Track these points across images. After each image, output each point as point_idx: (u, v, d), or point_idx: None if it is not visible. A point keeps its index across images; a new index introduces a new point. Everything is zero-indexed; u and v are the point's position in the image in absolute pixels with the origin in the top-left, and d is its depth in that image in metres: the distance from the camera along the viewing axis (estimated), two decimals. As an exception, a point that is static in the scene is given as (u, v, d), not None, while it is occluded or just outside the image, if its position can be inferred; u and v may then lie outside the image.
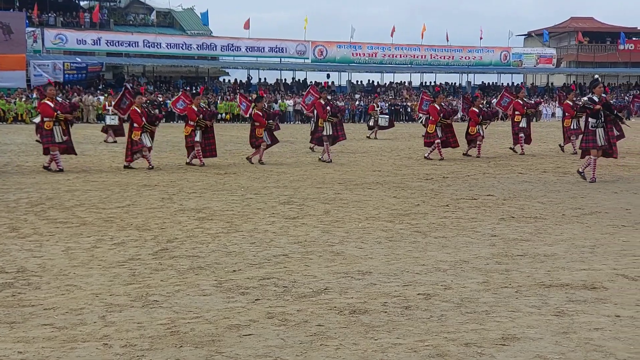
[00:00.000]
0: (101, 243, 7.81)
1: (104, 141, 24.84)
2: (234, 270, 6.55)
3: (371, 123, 29.40)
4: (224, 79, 57.66)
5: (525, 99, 20.92)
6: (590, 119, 13.20)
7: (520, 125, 19.86)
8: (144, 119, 15.89)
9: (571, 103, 19.65)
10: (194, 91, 18.77)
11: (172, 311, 5.30)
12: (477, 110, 19.03)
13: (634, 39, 66.56)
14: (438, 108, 18.32)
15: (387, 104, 47.78)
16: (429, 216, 9.57)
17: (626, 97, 51.20)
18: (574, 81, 63.55)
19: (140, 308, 5.40)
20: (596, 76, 16.49)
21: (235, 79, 56.17)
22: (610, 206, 10.38)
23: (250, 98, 19.38)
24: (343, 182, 13.36)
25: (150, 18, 56.59)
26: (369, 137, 28.25)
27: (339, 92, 54.87)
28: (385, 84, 59.32)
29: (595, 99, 13.14)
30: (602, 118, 13.07)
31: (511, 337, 4.69)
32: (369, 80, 59.48)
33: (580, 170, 13.53)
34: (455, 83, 61.47)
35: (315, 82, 54.16)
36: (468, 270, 6.54)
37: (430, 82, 60.30)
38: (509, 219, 9.30)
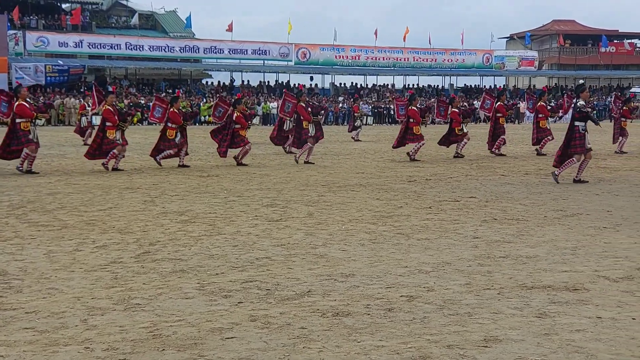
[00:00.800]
0: (83, 246, 7.77)
1: (85, 143, 24.68)
2: (217, 273, 6.53)
3: (358, 124, 29.37)
4: (206, 82, 57.51)
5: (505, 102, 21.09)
6: (578, 123, 13.28)
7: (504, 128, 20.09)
8: (116, 117, 15.93)
9: (545, 104, 20.06)
10: (173, 95, 18.79)
11: (155, 314, 5.28)
12: (458, 111, 19.36)
13: (615, 41, 67.09)
14: (417, 110, 18.64)
15: (369, 106, 47.90)
16: (411, 218, 9.59)
17: (608, 99, 51.57)
18: (555, 83, 64.00)
19: (122, 311, 5.37)
20: (581, 81, 16.72)
21: (219, 82, 56.07)
22: (591, 208, 10.45)
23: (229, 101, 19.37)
24: (326, 184, 13.37)
25: (132, 21, 56.33)
26: (354, 139, 28.22)
27: (322, 94, 54.90)
28: (369, 86, 59.40)
29: (583, 102, 13.35)
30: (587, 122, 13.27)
31: (493, 338, 4.71)
32: (352, 83, 59.56)
33: (577, 178, 13.55)
34: (438, 85, 61.67)
35: (296, 84, 54.20)
36: (450, 272, 6.56)
37: (413, 85, 60.50)
38: (492, 221, 9.34)
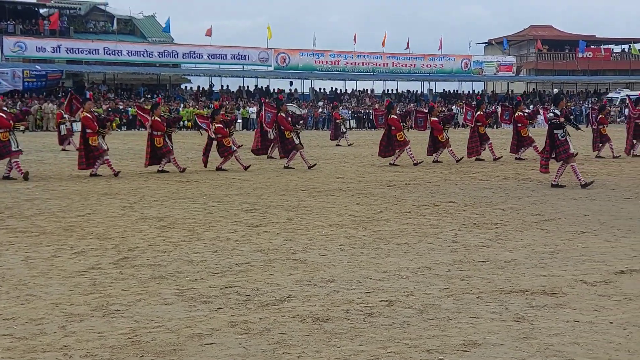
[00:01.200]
0: (61, 252, 7.71)
1: (63, 149, 24.50)
2: (196, 279, 6.51)
3: (343, 129, 29.32)
4: (185, 87, 57.35)
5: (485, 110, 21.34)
6: (556, 131, 13.45)
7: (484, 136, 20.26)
8: (96, 123, 15.87)
9: (522, 113, 20.28)
10: (153, 102, 18.74)
11: (133, 320, 5.26)
12: (438, 119, 19.46)
13: (592, 47, 67.73)
14: (397, 117, 18.78)
15: (349, 112, 47.96)
16: (391, 223, 9.61)
17: (584, 105, 52.02)
18: (533, 89, 64.46)
19: (101, 318, 5.34)
20: (556, 90, 16.99)
21: (198, 86, 55.93)
22: (569, 212, 10.53)
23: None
24: (306, 189, 13.37)
25: (110, 26, 56.01)
26: (340, 145, 28.19)
27: (302, 99, 54.92)
28: (348, 91, 59.51)
29: (558, 112, 13.52)
30: (566, 127, 13.45)
31: (472, 343, 4.73)
32: (331, 88, 59.63)
33: (581, 183, 13.58)
34: (417, 91, 61.90)
35: (276, 89, 54.21)
36: (430, 277, 6.58)
37: (393, 90, 60.68)
38: (470, 226, 9.38)
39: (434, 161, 19.41)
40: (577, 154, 13.64)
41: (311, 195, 12.51)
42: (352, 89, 60.03)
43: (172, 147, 16.88)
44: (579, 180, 13.56)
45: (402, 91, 60.99)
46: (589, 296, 5.89)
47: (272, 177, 15.67)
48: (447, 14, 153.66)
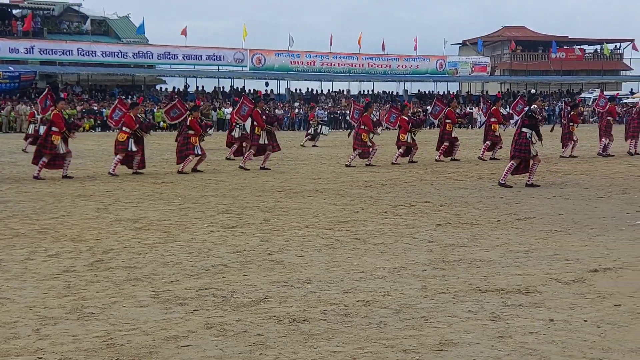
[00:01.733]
0: (35, 255, 7.64)
1: (24, 150, 24.18)
2: (172, 281, 6.48)
3: (311, 131, 29.42)
4: (160, 87, 57.05)
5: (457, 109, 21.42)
6: (525, 130, 13.57)
7: (453, 135, 20.28)
8: (64, 124, 15.78)
9: (502, 111, 20.44)
10: (134, 101, 18.67)
11: (108, 323, 5.21)
12: (407, 119, 19.58)
13: (565, 47, 68.39)
14: (407, 119, 19.07)
15: (325, 112, 47.99)
16: (368, 223, 9.63)
17: (558, 105, 52.47)
18: (507, 89, 64.92)
19: (75, 320, 5.29)
20: (533, 91, 17.16)
21: (173, 87, 55.66)
22: (543, 211, 10.61)
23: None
24: (283, 190, 13.35)
25: (84, 26, 55.56)
26: (303, 145, 28.28)
27: (278, 100, 54.87)
28: (324, 92, 59.55)
29: (536, 108, 13.71)
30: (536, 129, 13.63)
31: (448, 342, 4.75)
32: (307, 89, 59.64)
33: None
34: (392, 92, 62.09)
35: (252, 89, 54.10)
36: (406, 277, 6.60)
37: (369, 91, 60.81)
38: (446, 225, 9.43)
39: (409, 161, 19.48)
40: (536, 155, 13.74)
41: (287, 196, 12.49)
42: (328, 90, 60.09)
43: (128, 151, 16.60)
44: (530, 177, 13.80)
45: (378, 92, 61.14)
46: (564, 295, 5.94)
47: (248, 179, 15.63)
48: (421, 14, 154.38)
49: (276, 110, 44.93)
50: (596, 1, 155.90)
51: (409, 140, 19.43)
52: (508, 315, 5.36)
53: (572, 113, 21.65)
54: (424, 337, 4.85)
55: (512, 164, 13.76)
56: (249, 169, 17.60)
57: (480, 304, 5.65)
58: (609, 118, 22.00)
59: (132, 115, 16.61)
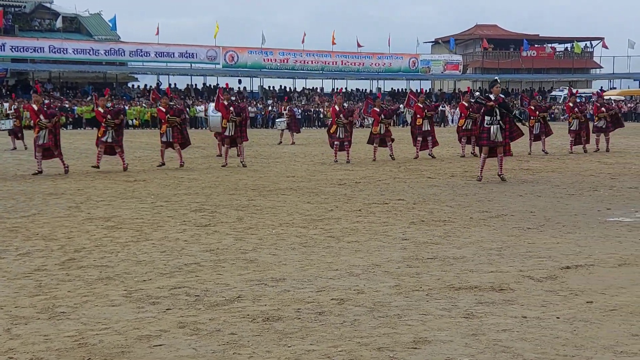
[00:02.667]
0: (5, 254, 7.53)
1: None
2: (144, 280, 6.42)
3: (283, 126, 29.33)
4: (132, 85, 56.68)
5: (426, 102, 21.57)
6: (485, 117, 13.81)
7: (424, 129, 20.36)
8: (41, 116, 15.71)
9: (466, 104, 20.59)
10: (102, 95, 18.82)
11: (80, 323, 5.16)
12: (378, 110, 19.79)
13: (536, 45, 69.01)
14: (337, 109, 19.13)
15: (299, 110, 47.98)
16: (342, 221, 9.63)
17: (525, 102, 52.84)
18: (479, 87, 65.38)
19: (47, 320, 5.23)
20: (495, 77, 17.26)
21: (145, 85, 55.32)
22: (515, 209, 10.69)
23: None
24: (256, 188, 13.31)
25: (56, 24, 55.02)
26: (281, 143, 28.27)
27: (252, 97, 54.74)
28: (297, 89, 59.52)
29: (492, 97, 13.79)
30: (498, 116, 13.78)
31: (422, 340, 4.76)
32: (281, 86, 59.57)
33: (499, 173, 14.21)
34: (366, 89, 62.25)
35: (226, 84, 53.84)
36: (380, 274, 6.60)
37: (342, 89, 60.87)
38: (419, 223, 9.45)
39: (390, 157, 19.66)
40: (493, 142, 13.92)
41: (261, 195, 12.46)
42: (302, 87, 60.09)
43: (104, 143, 16.75)
44: (500, 169, 14.16)
45: (352, 89, 61.27)
46: (536, 292, 5.98)
47: (222, 176, 15.56)
48: (394, 12, 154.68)
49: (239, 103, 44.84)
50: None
51: (382, 131, 19.65)
52: (481, 312, 5.38)
53: (529, 107, 21.91)
54: (398, 335, 4.85)
55: (483, 156, 14.10)
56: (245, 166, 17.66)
57: (454, 302, 5.67)
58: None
59: (100, 108, 16.70)
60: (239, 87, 57.67)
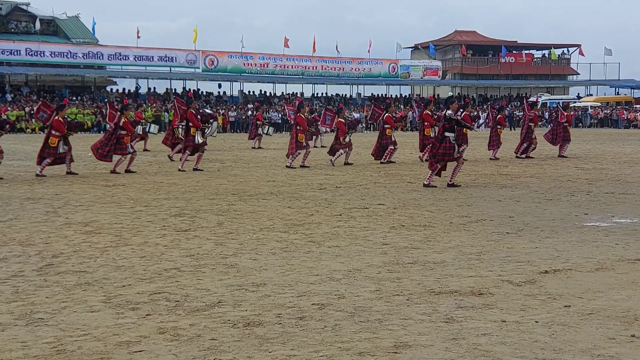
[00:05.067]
0: (-19, 260, 7.46)
1: None
2: (124, 285, 6.39)
3: (260, 132, 29.31)
4: (111, 89, 56.34)
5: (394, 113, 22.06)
6: (448, 134, 14.12)
7: (393, 139, 20.64)
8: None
9: (430, 113, 20.73)
10: (60, 103, 18.64)
11: (59, 329, 5.11)
12: (343, 121, 20.42)
13: (514, 52, 69.51)
14: (304, 118, 19.39)
15: (280, 115, 47.95)
16: (322, 226, 9.63)
17: (507, 109, 53.19)
18: (458, 93, 65.72)
19: (24, 326, 5.18)
20: (450, 93, 17.66)
21: (123, 89, 55.03)
22: (494, 214, 10.75)
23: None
24: (237, 193, 13.28)
25: (33, 26, 54.61)
26: (254, 148, 28.28)
27: (231, 102, 54.64)
28: (277, 94, 59.47)
29: (451, 113, 14.21)
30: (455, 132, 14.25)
31: (403, 344, 4.77)
32: (261, 91, 59.52)
33: (449, 182, 14.46)
34: (346, 94, 62.35)
35: (204, 92, 53.75)
36: (361, 279, 6.61)
37: (322, 94, 60.95)
38: (400, 228, 9.48)
39: (331, 162, 19.82)
40: (460, 157, 14.43)
41: (241, 199, 12.43)
42: (282, 92, 60.05)
43: (61, 151, 16.67)
44: (451, 177, 14.44)
45: (332, 94, 61.33)
46: (515, 296, 6.01)
47: (202, 181, 15.52)
48: (373, 17, 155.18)
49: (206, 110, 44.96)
50: (542, 6, 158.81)
51: (348, 140, 20.03)
52: (461, 317, 5.40)
53: (499, 116, 22.20)
54: (379, 340, 4.86)
55: (437, 166, 14.33)
56: (202, 170, 17.61)
57: (434, 306, 5.69)
58: (530, 124, 22.46)
59: (59, 119, 16.56)
60: (218, 92, 57.54)
